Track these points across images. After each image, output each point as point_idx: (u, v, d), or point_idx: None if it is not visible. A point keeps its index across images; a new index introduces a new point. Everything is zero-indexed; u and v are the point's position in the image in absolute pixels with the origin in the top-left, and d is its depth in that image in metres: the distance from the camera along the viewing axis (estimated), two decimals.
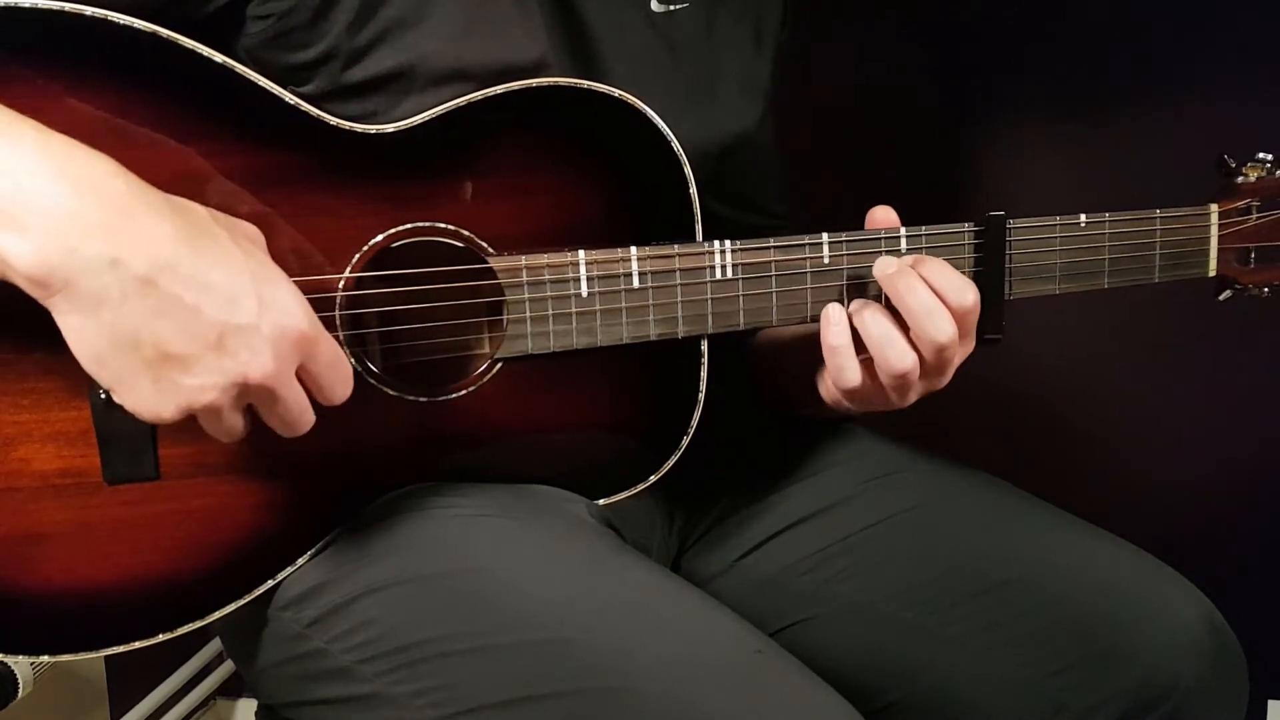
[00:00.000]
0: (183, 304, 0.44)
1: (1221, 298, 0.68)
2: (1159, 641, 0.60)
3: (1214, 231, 0.66)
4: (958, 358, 0.59)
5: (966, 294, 0.57)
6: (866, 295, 0.60)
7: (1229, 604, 0.63)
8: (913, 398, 0.59)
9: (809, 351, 0.63)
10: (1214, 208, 0.66)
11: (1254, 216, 0.66)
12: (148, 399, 0.45)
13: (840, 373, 0.58)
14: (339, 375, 0.50)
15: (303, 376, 0.49)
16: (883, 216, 0.61)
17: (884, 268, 0.58)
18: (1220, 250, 0.66)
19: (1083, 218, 0.63)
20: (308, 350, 0.48)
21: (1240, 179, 0.66)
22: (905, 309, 0.57)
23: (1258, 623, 0.70)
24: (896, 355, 0.56)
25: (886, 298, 0.59)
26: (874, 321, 0.57)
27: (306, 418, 0.49)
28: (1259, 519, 1.07)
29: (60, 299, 0.44)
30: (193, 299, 0.45)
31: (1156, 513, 1.04)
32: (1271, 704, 1.08)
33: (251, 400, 0.48)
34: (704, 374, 0.60)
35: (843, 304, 0.59)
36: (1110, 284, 0.64)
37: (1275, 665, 0.94)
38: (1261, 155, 0.66)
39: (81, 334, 0.44)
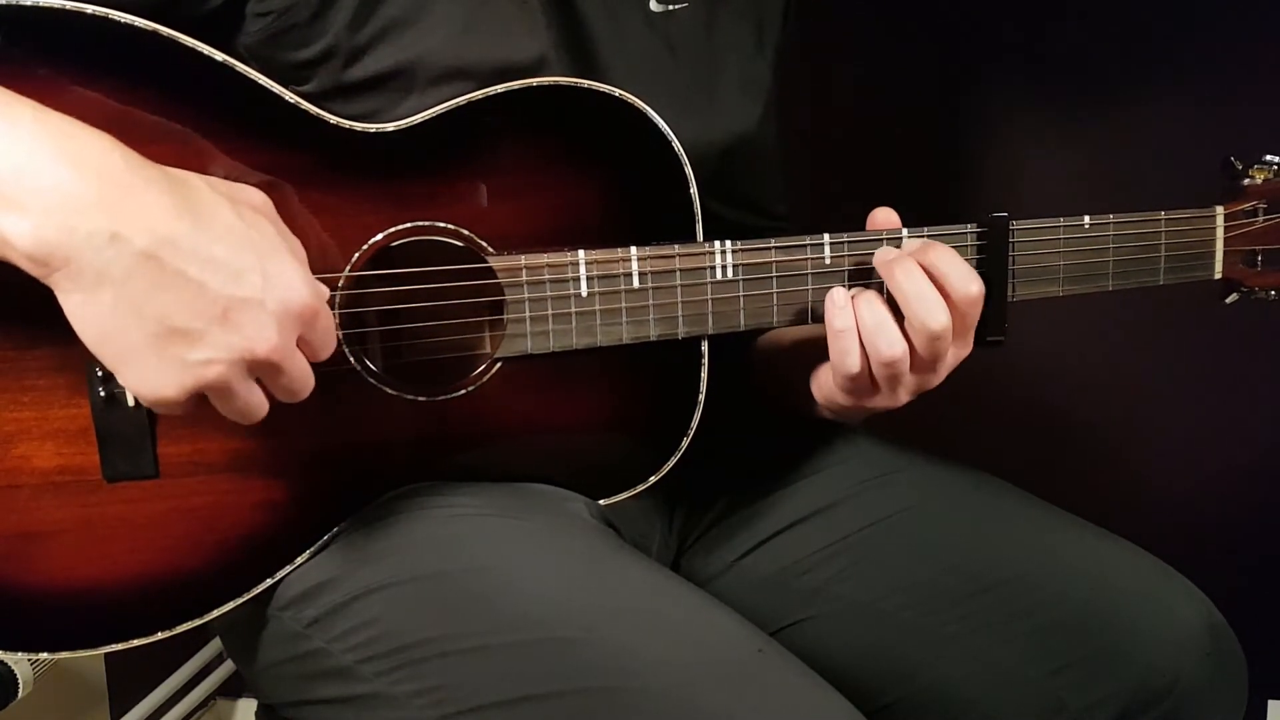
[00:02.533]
0: (186, 278, 0.44)
1: (1228, 300, 0.68)
2: (1158, 641, 0.60)
3: (1220, 234, 0.66)
4: (952, 356, 0.58)
5: (971, 284, 0.56)
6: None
7: (1229, 604, 0.63)
8: (904, 395, 0.58)
9: (804, 356, 0.62)
10: (1220, 210, 0.66)
11: (1260, 219, 0.66)
12: (151, 377, 0.45)
13: (844, 356, 0.57)
14: (329, 336, 0.50)
15: (298, 341, 0.48)
16: (884, 218, 0.61)
17: (883, 255, 0.58)
18: (1226, 253, 0.66)
19: (1087, 219, 0.63)
20: (309, 322, 0.48)
21: (1247, 181, 0.66)
22: (900, 293, 0.56)
23: (1258, 623, 0.70)
24: (886, 342, 0.56)
25: (886, 289, 0.58)
26: (868, 307, 0.56)
27: (309, 384, 0.49)
28: (1259, 519, 1.07)
29: (61, 277, 0.43)
30: (196, 273, 0.44)
31: (1157, 513, 1.03)
32: (1271, 704, 1.08)
33: (256, 374, 0.47)
34: (704, 375, 0.60)
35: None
36: (1114, 286, 0.64)
37: (1275, 665, 0.94)
38: (1269, 158, 0.66)
39: (84, 312, 0.44)
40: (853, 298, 0.57)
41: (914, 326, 0.56)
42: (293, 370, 0.48)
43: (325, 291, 0.49)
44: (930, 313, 0.55)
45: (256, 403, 0.48)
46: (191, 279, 0.44)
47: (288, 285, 0.46)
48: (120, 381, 0.46)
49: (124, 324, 0.44)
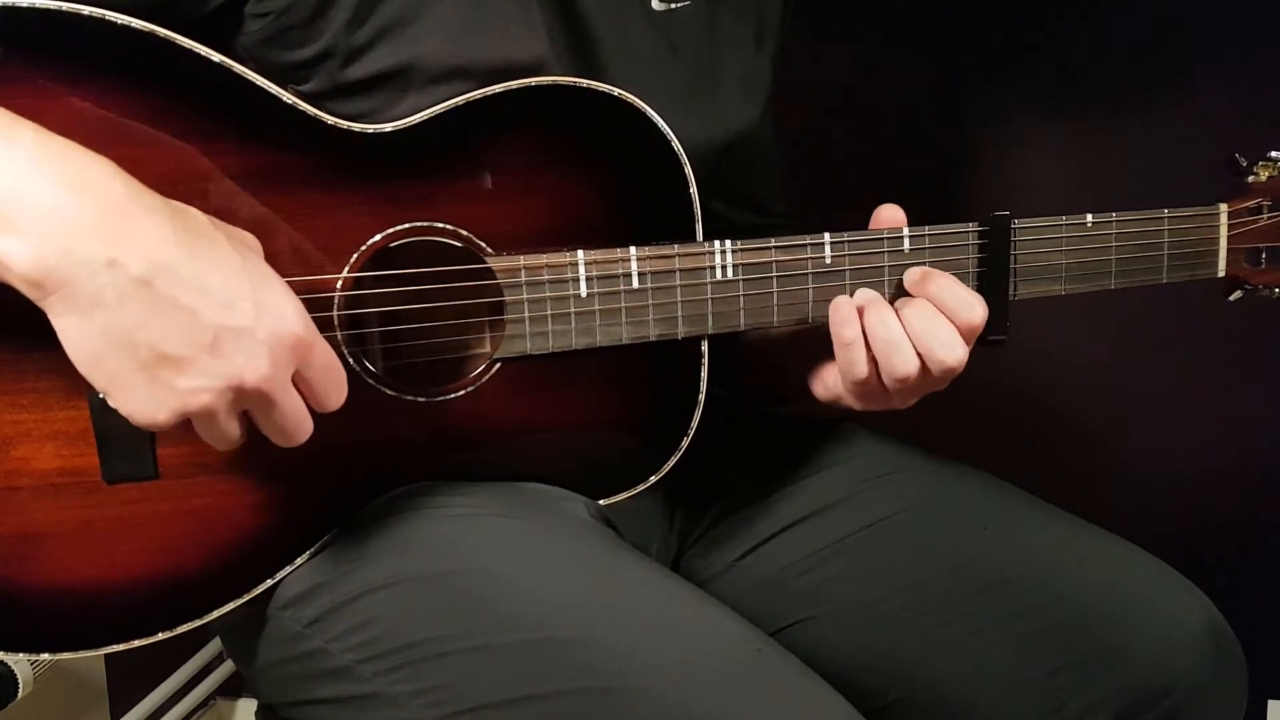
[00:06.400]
0: (179, 306, 0.44)
1: (1231, 298, 0.68)
2: (1158, 640, 0.60)
3: (1224, 231, 0.65)
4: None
5: (975, 312, 0.57)
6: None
7: (1229, 604, 0.63)
8: (913, 399, 0.59)
9: (805, 349, 0.62)
10: (1223, 207, 0.66)
11: (1265, 216, 0.65)
12: (142, 402, 0.45)
13: (851, 366, 0.57)
14: (334, 381, 0.50)
15: (297, 382, 0.48)
16: (889, 215, 0.61)
17: (911, 274, 0.58)
18: (1230, 250, 0.66)
19: (1089, 217, 0.63)
20: (303, 355, 0.48)
21: (1251, 178, 0.65)
22: (914, 331, 0.56)
23: (1258, 623, 0.70)
24: (902, 361, 0.56)
25: (894, 297, 0.59)
26: (882, 325, 0.57)
27: (304, 426, 0.49)
28: (1259, 519, 1.06)
29: (56, 300, 0.44)
30: (189, 301, 0.44)
31: (1156, 513, 1.04)
32: (1271, 704, 1.08)
33: (247, 406, 0.48)
34: (704, 374, 0.60)
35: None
36: (1117, 284, 0.64)
37: (1275, 665, 0.94)
38: (1273, 154, 0.65)
39: (77, 335, 0.44)
40: (862, 308, 0.58)
41: (931, 361, 0.56)
42: (284, 405, 0.48)
43: (319, 338, 0.48)
44: (949, 350, 0.56)
45: (235, 434, 0.48)
46: (184, 307, 0.44)
47: (279, 314, 0.46)
48: (111, 404, 0.46)
49: (116, 350, 0.44)
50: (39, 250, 0.43)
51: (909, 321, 0.57)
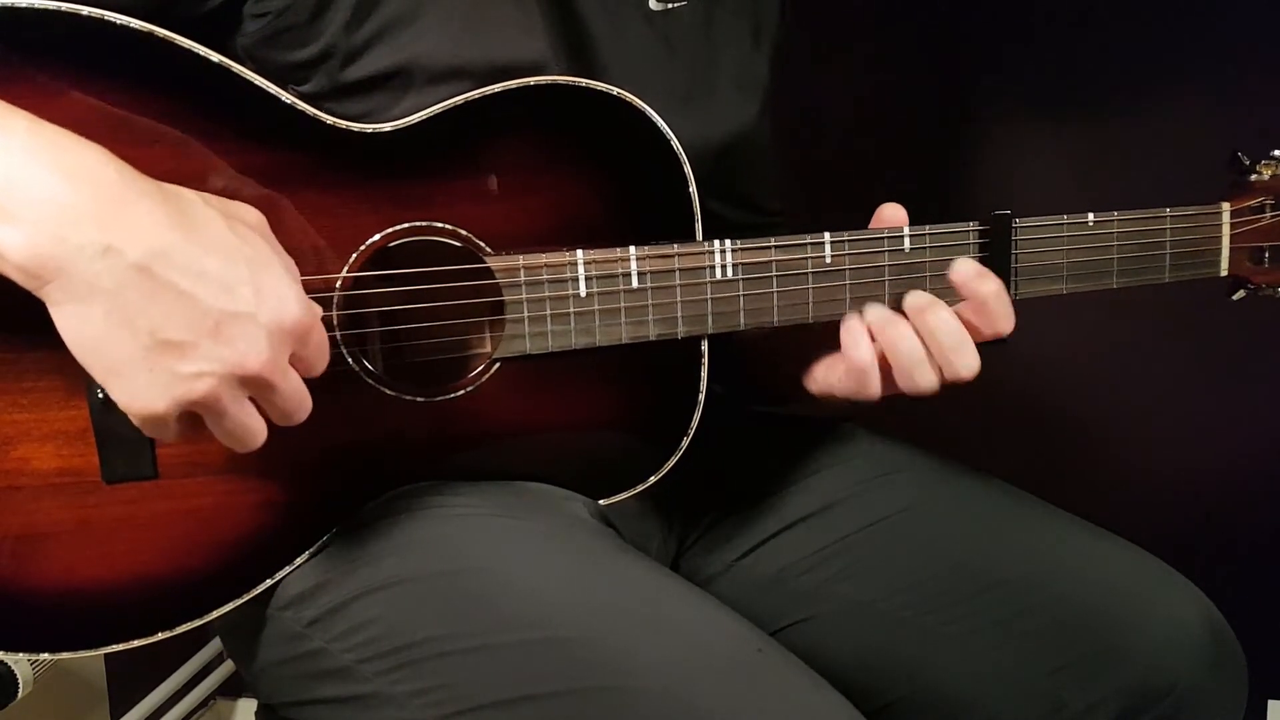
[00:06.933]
0: (178, 291, 0.44)
1: (1234, 297, 0.68)
2: (1158, 640, 0.60)
3: (1226, 230, 0.65)
4: None
5: (988, 281, 0.58)
6: (872, 296, 0.60)
7: (1229, 604, 0.63)
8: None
9: (795, 344, 0.62)
10: (1226, 206, 0.65)
11: (1268, 215, 0.65)
12: (142, 391, 0.45)
13: (865, 389, 0.58)
14: (323, 353, 0.49)
15: (291, 359, 0.48)
16: (891, 214, 0.61)
17: (915, 299, 0.59)
18: (1233, 250, 0.65)
19: (1091, 216, 0.63)
20: (301, 337, 0.47)
21: (1254, 177, 0.65)
22: (936, 345, 0.57)
23: (1258, 623, 0.70)
24: (925, 379, 0.57)
25: (897, 297, 0.59)
26: (906, 341, 0.58)
27: (305, 405, 0.49)
28: (1259, 519, 1.06)
29: (53, 289, 0.43)
30: (188, 286, 0.44)
31: (1156, 513, 1.03)
32: (1271, 704, 1.08)
33: (248, 390, 0.47)
34: (704, 374, 0.60)
35: (846, 304, 0.59)
36: (1119, 284, 0.64)
37: (1275, 665, 0.94)
38: (1276, 153, 0.65)
39: (75, 323, 0.44)
40: (880, 327, 0.58)
41: (945, 370, 0.57)
42: (285, 388, 0.47)
43: (319, 310, 0.48)
44: (965, 365, 0.57)
45: (252, 425, 0.47)
46: (183, 291, 0.44)
47: (281, 299, 0.46)
48: (110, 394, 0.46)
49: (115, 336, 0.44)
50: (34, 238, 0.43)
51: (930, 329, 0.58)
